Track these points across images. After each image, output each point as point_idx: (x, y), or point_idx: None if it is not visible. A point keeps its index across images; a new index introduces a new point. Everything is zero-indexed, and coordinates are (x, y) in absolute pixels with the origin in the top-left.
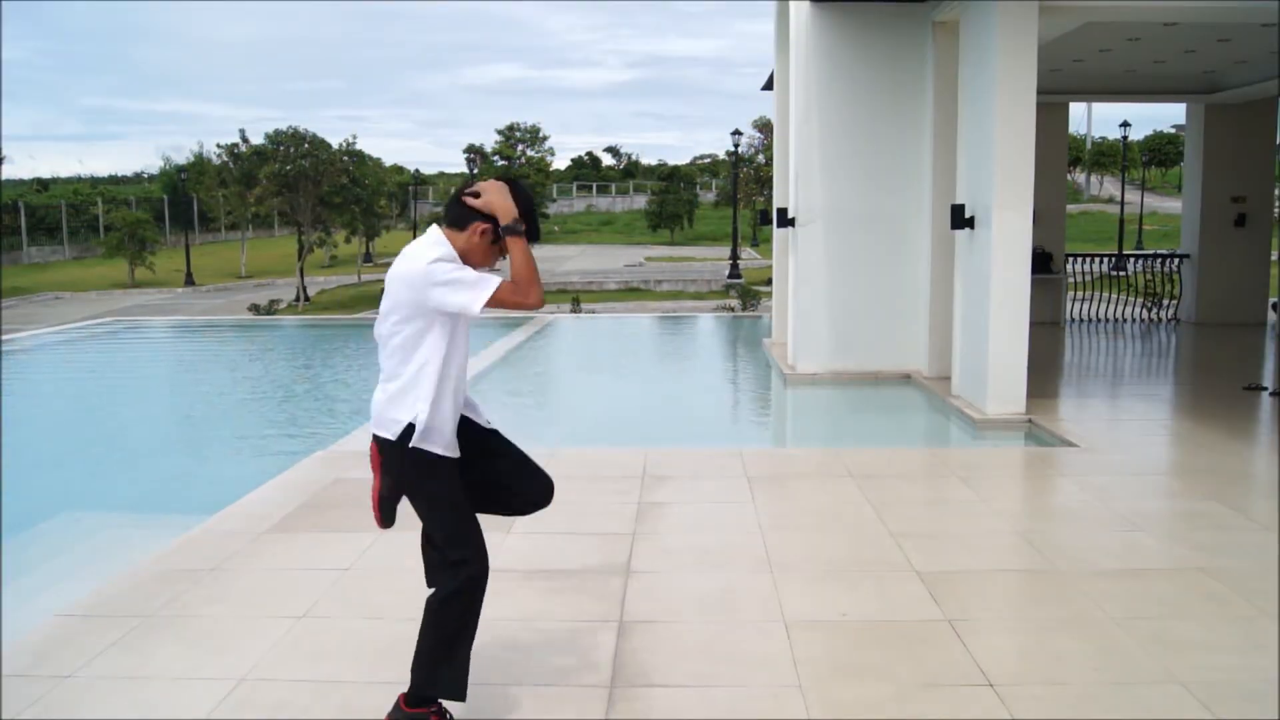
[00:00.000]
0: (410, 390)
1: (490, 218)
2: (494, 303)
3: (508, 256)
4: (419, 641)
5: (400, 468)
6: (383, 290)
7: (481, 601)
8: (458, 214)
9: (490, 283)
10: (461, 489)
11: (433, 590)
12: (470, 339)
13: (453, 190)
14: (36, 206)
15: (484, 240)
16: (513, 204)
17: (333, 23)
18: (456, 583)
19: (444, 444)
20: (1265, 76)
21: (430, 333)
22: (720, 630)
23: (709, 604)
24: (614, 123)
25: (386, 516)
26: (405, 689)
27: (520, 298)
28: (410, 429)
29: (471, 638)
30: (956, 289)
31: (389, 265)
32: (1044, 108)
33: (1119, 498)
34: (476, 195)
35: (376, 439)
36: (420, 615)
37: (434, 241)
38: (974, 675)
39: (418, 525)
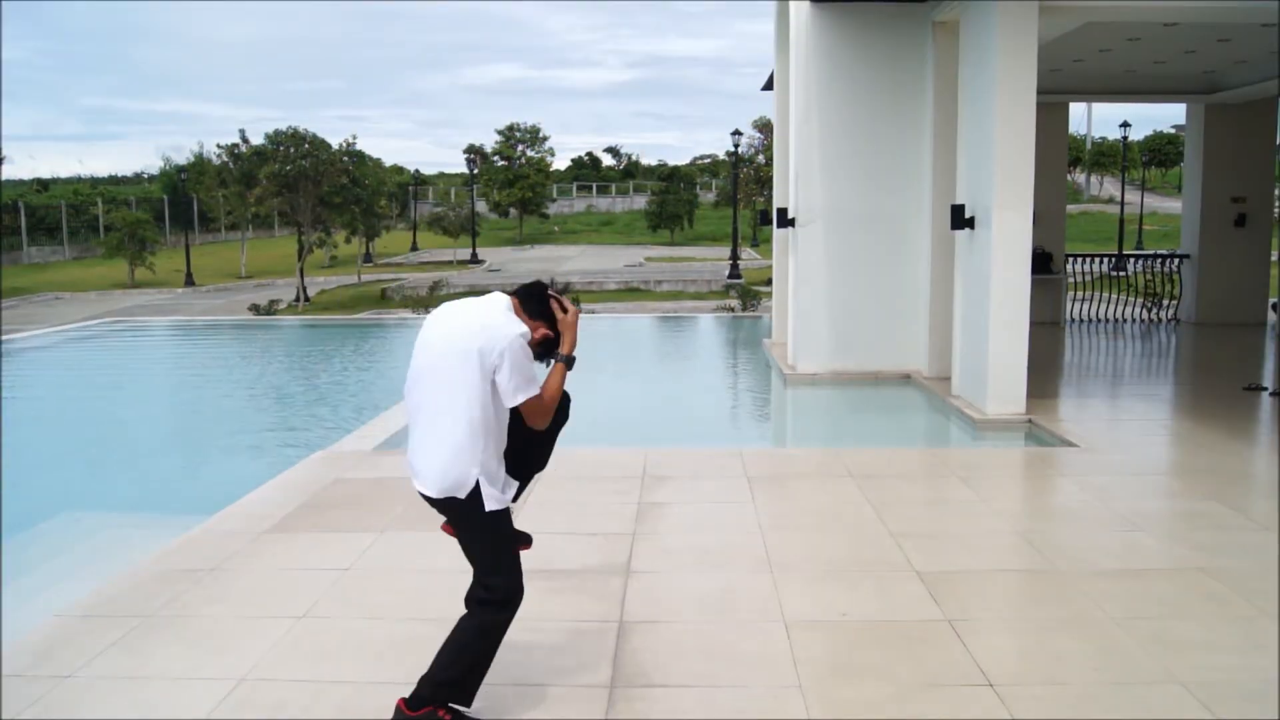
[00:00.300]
0: (476, 443)
1: (553, 327)
2: (520, 406)
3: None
4: (441, 656)
5: (480, 518)
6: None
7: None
8: (537, 309)
9: (533, 390)
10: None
11: (467, 614)
12: None
13: (535, 280)
14: (36, 206)
15: (540, 341)
16: (577, 339)
17: (333, 23)
18: (497, 617)
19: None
20: (1265, 76)
21: (491, 389)
22: (720, 630)
23: (709, 604)
24: (614, 123)
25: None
26: (405, 694)
27: (539, 418)
28: (480, 482)
29: (491, 659)
30: (956, 289)
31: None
32: (1044, 108)
33: (1119, 498)
34: (564, 309)
35: (451, 501)
36: (420, 615)
37: (513, 314)
38: (974, 675)
39: (415, 526)
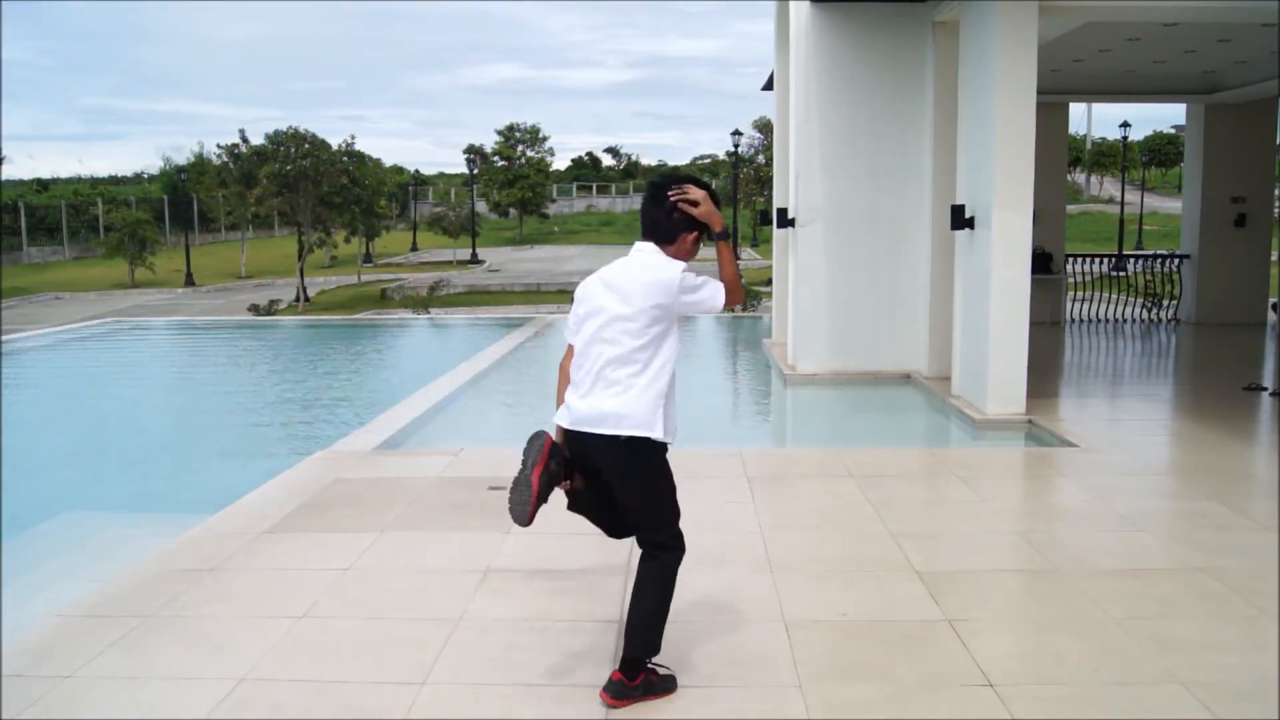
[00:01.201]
0: (652, 388)
1: (696, 225)
2: (721, 300)
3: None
4: (643, 613)
5: (649, 462)
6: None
7: None
8: (668, 228)
9: (716, 284)
10: None
11: (648, 566)
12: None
13: (642, 199)
14: (36, 206)
15: (693, 246)
16: (718, 212)
17: (333, 23)
18: (677, 554)
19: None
20: (1265, 76)
21: (669, 335)
22: (720, 630)
23: (709, 604)
24: (614, 123)
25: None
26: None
27: (734, 297)
28: (655, 427)
29: None
30: (956, 289)
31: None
32: (1044, 108)
33: (1119, 498)
34: (693, 204)
35: (615, 438)
36: (420, 615)
37: (661, 253)
38: (974, 675)
39: (415, 526)
